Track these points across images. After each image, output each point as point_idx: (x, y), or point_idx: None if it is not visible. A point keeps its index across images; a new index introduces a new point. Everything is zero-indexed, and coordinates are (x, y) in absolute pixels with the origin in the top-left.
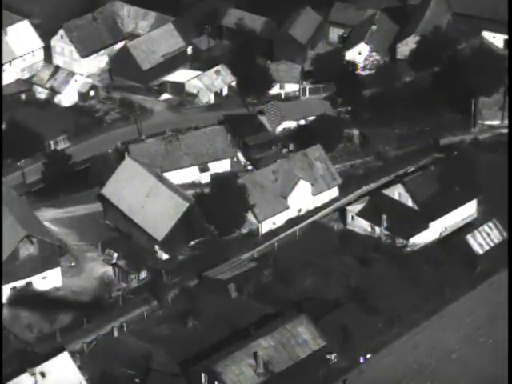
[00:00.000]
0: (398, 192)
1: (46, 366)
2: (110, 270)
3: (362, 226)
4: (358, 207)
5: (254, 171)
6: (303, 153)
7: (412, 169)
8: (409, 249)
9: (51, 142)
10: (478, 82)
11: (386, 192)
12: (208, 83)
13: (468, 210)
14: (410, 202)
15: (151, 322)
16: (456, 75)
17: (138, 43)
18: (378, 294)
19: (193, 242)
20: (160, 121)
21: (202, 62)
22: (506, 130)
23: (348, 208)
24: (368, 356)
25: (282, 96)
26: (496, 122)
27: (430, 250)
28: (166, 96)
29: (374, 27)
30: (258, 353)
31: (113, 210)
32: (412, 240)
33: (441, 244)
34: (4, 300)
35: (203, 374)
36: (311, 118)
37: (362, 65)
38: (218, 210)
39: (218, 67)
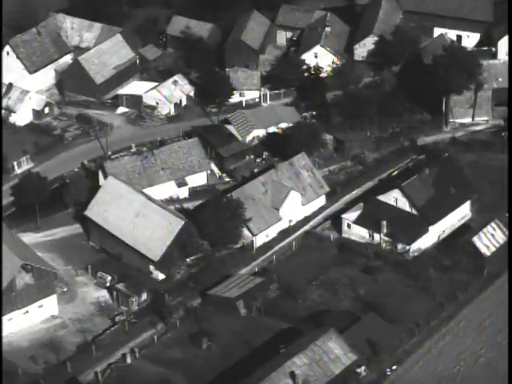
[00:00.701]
0: (393, 197)
1: None
2: (104, 293)
3: (359, 233)
4: (353, 215)
5: (244, 185)
6: (290, 162)
7: (395, 172)
8: (411, 254)
9: (14, 163)
10: (448, 80)
11: (382, 198)
12: (167, 94)
13: (463, 211)
14: (407, 207)
15: (162, 346)
16: (423, 74)
17: (89, 56)
18: (390, 304)
19: (188, 260)
20: (122, 136)
21: (152, 73)
22: (478, 128)
23: (344, 216)
24: (394, 367)
25: (243, 104)
26: (467, 120)
27: (434, 254)
28: (122, 109)
29: (328, 29)
30: (296, 372)
31: (98, 232)
32: (413, 245)
33: (442, 247)
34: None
35: None
36: (283, 125)
37: (326, 68)
38: (212, 226)
39: (175, 77)
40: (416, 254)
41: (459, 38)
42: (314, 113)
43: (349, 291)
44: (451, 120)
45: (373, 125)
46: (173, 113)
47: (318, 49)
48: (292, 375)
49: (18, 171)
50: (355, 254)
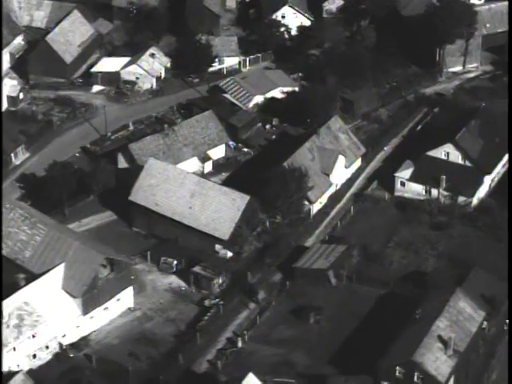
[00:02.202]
0: (445, 151)
1: None
2: (173, 279)
3: (415, 190)
4: (406, 173)
5: (293, 154)
6: (327, 126)
7: (417, 126)
8: (472, 205)
9: (12, 154)
10: (447, 31)
11: (432, 153)
12: (148, 68)
13: (505, 158)
14: (459, 160)
15: (266, 326)
16: (407, 27)
17: (55, 36)
18: (475, 257)
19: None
20: (110, 115)
21: (108, 48)
22: (471, 75)
23: (397, 174)
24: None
25: (224, 71)
26: (458, 69)
27: (490, 203)
28: (97, 88)
29: None
30: (450, 335)
31: (146, 217)
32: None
33: (495, 195)
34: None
35: (398, 368)
36: (282, 90)
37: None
38: (281, 198)
39: (151, 50)
40: (475, 205)
41: None
42: (300, 74)
43: (428, 249)
44: (445, 70)
45: (368, 82)
46: (155, 87)
47: (285, 9)
48: (440, 339)
49: (17, 162)
50: (418, 212)
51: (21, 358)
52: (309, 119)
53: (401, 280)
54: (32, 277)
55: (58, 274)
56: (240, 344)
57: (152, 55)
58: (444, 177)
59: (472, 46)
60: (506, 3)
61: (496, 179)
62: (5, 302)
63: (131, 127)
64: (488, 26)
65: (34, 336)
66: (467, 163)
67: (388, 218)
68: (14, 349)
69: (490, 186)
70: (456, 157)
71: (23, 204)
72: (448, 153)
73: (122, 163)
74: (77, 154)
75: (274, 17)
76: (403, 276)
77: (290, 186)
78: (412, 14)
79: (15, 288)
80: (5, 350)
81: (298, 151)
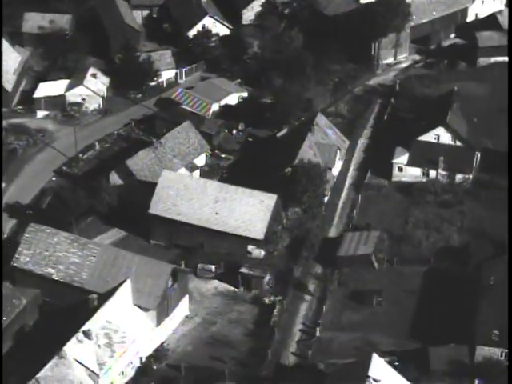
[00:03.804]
0: (435, 134)
1: None
2: (216, 283)
3: (412, 174)
4: (402, 158)
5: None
6: (315, 123)
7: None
8: (469, 182)
9: None
10: (387, 24)
11: (423, 138)
12: (94, 88)
13: None
14: (450, 141)
15: (332, 313)
16: (338, 25)
17: None
18: (491, 228)
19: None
20: (69, 138)
21: (31, 73)
22: (404, 65)
23: (394, 161)
24: None
25: (164, 84)
26: (390, 60)
27: (483, 177)
28: (42, 113)
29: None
30: None
31: (167, 228)
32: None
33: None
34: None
35: (494, 332)
36: (236, 96)
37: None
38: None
39: (91, 70)
40: (470, 181)
41: None
42: (239, 80)
43: (448, 226)
44: (380, 62)
45: (311, 81)
46: (101, 106)
47: (206, 20)
48: None
49: None
50: (423, 193)
51: (114, 376)
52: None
53: (437, 255)
54: (101, 296)
55: (126, 289)
56: (318, 333)
57: (94, 75)
58: (442, 158)
59: (402, 38)
60: None
61: (479, 155)
62: (89, 324)
63: (97, 147)
64: (414, 17)
65: (124, 353)
66: (457, 143)
67: (395, 203)
68: (110, 368)
69: (476, 161)
70: (447, 138)
71: (47, 227)
72: (439, 135)
73: (116, 180)
74: (53, 178)
75: (195, 28)
76: (436, 252)
77: (315, 180)
78: (337, 13)
79: (90, 309)
80: (102, 372)
81: (301, 151)
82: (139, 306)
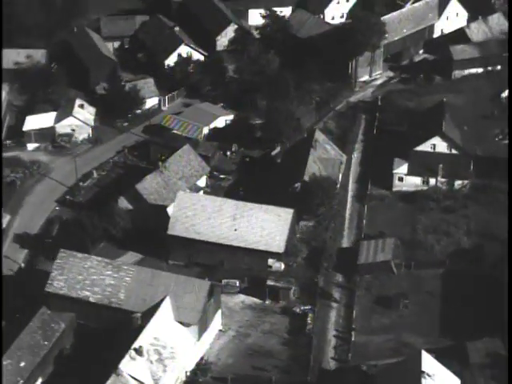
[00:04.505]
0: (432, 144)
1: None
2: (242, 297)
3: (412, 183)
4: (402, 169)
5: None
6: (315, 139)
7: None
8: (467, 187)
9: None
10: (366, 42)
11: (420, 148)
12: (83, 119)
13: None
14: (445, 150)
15: (362, 318)
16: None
17: None
18: (497, 230)
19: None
20: (64, 169)
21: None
22: (379, 82)
23: (395, 171)
24: None
25: (149, 111)
26: (366, 78)
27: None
28: (32, 145)
29: (177, 28)
30: None
31: (187, 247)
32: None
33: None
34: None
35: None
36: (224, 119)
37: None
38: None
39: (78, 101)
40: (467, 186)
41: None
42: (222, 104)
43: (456, 230)
44: (358, 80)
45: (294, 101)
46: (91, 136)
47: (182, 48)
48: None
49: (4, 225)
50: (424, 202)
51: None
52: (272, 139)
53: (451, 258)
54: (143, 315)
55: (167, 306)
56: (353, 338)
57: (81, 106)
58: (441, 166)
59: (376, 56)
60: (400, 12)
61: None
62: (138, 341)
63: (95, 175)
64: (387, 35)
65: (175, 367)
66: (453, 151)
67: (400, 211)
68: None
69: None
70: (443, 147)
71: (77, 252)
72: (435, 145)
73: (125, 205)
74: (57, 208)
75: (172, 56)
76: (450, 254)
77: (330, 193)
78: (310, 34)
79: (135, 327)
80: None
81: (307, 166)
82: (181, 322)
